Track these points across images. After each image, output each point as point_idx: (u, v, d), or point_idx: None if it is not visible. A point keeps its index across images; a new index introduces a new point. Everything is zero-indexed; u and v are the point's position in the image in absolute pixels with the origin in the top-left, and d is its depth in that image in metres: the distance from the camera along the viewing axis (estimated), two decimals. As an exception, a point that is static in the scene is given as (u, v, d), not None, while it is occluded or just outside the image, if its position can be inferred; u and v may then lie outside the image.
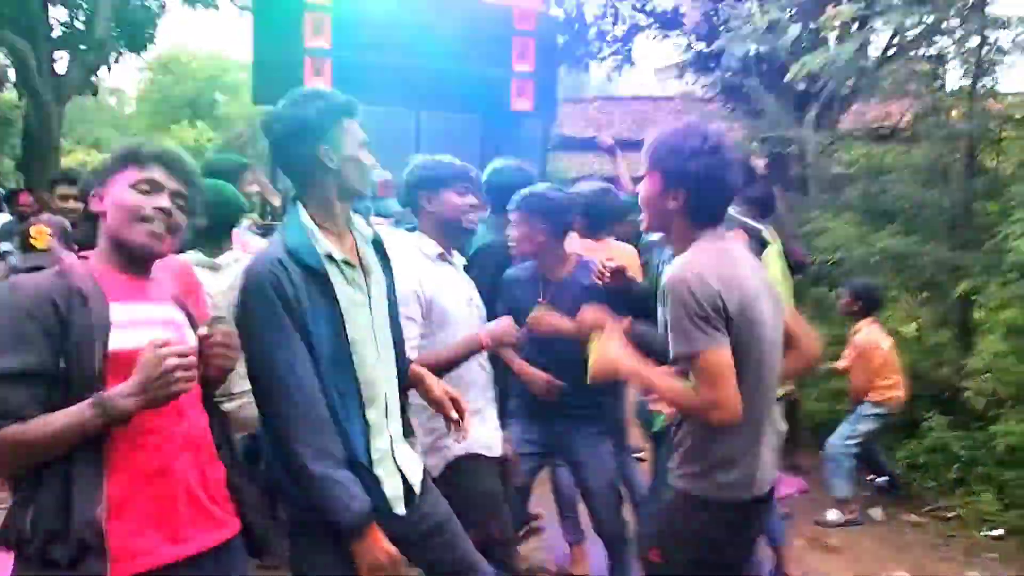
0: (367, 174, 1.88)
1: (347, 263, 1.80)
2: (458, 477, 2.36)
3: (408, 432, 2.00)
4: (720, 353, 1.80)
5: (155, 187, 1.64)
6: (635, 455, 3.81)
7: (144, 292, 1.67)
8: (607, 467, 2.88)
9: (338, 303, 1.76)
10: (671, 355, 1.87)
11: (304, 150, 1.78)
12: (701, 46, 10.36)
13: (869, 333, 4.33)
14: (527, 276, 2.85)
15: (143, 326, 1.58)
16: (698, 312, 1.79)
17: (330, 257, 1.76)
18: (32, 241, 2.88)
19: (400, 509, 1.87)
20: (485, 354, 2.51)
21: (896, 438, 4.71)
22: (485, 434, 2.45)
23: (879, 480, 4.57)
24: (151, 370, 1.45)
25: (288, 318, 1.68)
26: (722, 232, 1.99)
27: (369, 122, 5.58)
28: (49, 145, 10.59)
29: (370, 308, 1.85)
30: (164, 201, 1.64)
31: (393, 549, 1.76)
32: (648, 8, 11.96)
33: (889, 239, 4.58)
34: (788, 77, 4.87)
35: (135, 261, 1.66)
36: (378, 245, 1.97)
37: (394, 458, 1.88)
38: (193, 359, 1.51)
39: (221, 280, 2.88)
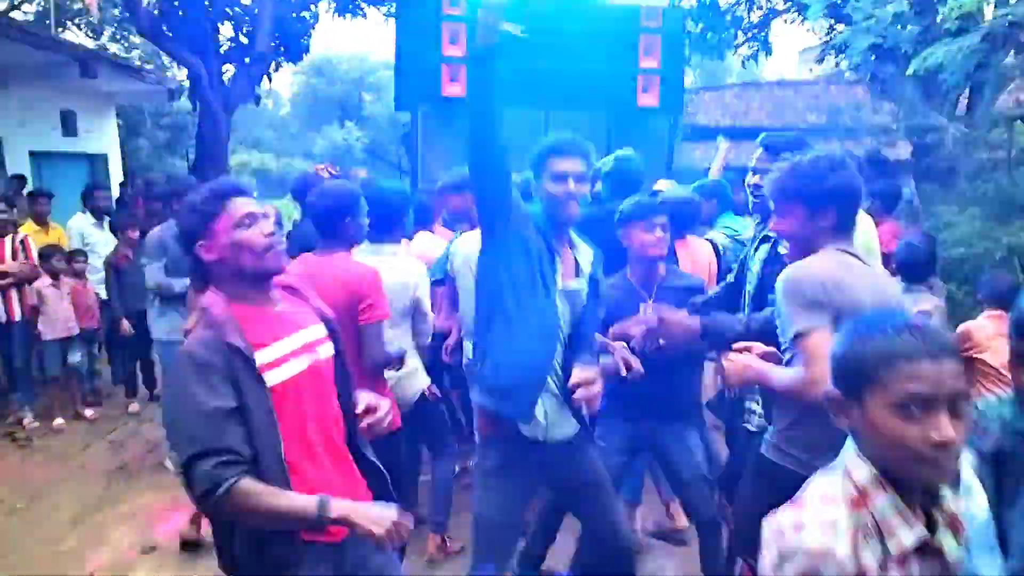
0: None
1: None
2: None
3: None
4: (821, 335, 1.97)
5: (252, 218, 1.86)
6: None
7: (278, 324, 1.90)
8: (697, 459, 3.05)
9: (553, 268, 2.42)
10: (782, 340, 2.10)
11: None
12: (842, 27, 10.01)
13: (975, 323, 4.05)
14: (622, 283, 3.08)
15: (287, 359, 1.86)
16: (804, 299, 2.01)
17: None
18: None
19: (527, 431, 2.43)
20: None
21: None
22: None
23: None
24: (369, 524, 1.69)
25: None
26: (851, 239, 2.19)
27: (502, 123, 6.00)
28: (219, 150, 11.75)
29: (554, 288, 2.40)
30: (268, 226, 1.87)
31: None
32: (785, -8, 11.62)
33: (1019, 234, 4.36)
34: (909, 71, 4.74)
35: (262, 287, 1.90)
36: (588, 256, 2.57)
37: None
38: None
39: (377, 261, 3.18)
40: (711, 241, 4.09)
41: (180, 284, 4.36)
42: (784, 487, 2.12)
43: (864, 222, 3.36)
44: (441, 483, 3.71)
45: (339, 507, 1.70)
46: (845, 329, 1.36)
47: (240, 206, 1.86)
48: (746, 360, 2.26)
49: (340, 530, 1.81)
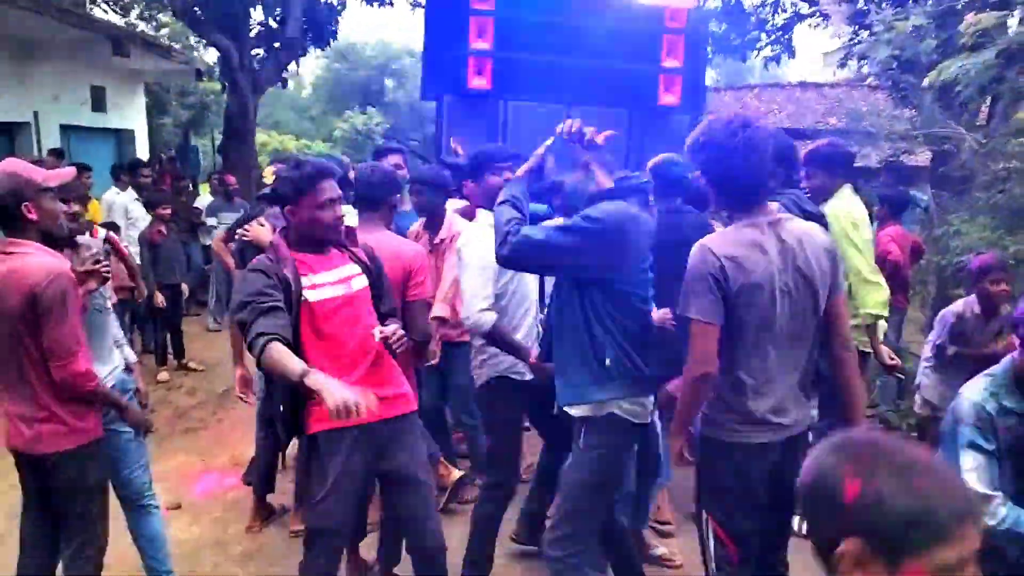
0: None
1: None
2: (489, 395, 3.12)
3: None
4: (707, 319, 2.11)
5: (331, 204, 2.41)
6: None
7: (323, 263, 2.48)
8: None
9: None
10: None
11: None
12: (866, 34, 10.06)
13: None
14: None
15: (323, 286, 2.43)
16: (698, 281, 2.11)
17: None
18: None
19: None
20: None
21: None
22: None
23: None
24: (329, 396, 2.00)
25: None
26: (761, 218, 2.21)
27: (525, 116, 6.31)
28: (246, 131, 11.96)
29: None
30: (340, 210, 2.46)
31: None
32: (810, -5, 11.65)
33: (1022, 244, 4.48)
34: (925, 83, 4.85)
35: (323, 247, 2.50)
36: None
37: None
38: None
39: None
40: None
41: None
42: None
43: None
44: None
45: (314, 380, 2.06)
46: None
47: (326, 192, 2.40)
48: None
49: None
